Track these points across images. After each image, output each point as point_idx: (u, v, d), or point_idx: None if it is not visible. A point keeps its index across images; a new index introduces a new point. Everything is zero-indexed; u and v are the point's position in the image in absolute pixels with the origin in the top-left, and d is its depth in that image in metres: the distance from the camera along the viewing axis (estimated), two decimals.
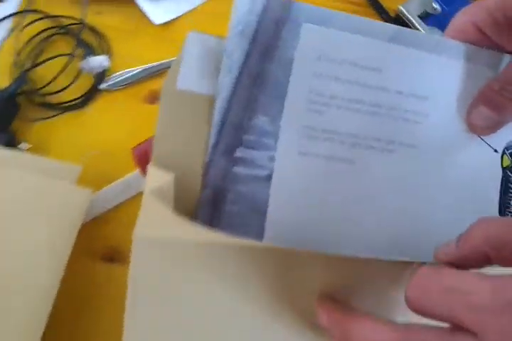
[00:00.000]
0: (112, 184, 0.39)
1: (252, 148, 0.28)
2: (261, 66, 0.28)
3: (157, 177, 0.25)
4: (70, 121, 0.41)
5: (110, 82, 0.42)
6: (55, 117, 0.40)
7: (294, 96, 0.29)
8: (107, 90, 0.42)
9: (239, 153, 0.28)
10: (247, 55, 0.28)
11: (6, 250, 0.33)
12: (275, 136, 0.28)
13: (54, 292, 0.34)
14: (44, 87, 0.40)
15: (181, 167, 0.27)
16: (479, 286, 0.20)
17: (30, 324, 0.33)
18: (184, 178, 0.27)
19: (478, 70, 0.32)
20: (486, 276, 0.20)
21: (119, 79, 0.42)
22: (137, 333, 0.26)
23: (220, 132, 0.28)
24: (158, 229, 0.24)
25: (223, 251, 0.24)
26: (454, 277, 0.21)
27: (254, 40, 0.28)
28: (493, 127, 0.32)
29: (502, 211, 0.33)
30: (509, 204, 0.33)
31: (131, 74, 0.42)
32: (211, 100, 0.28)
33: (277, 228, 0.29)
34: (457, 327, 0.20)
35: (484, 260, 0.22)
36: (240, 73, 0.28)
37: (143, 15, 0.43)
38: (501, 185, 0.33)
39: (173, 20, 0.43)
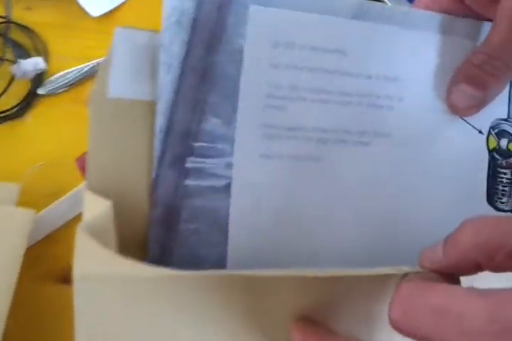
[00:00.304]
0: (59, 200, 0.35)
1: (205, 155, 0.24)
2: (206, 60, 0.24)
3: (93, 206, 0.21)
4: (6, 132, 0.37)
5: (49, 86, 0.38)
6: None
7: (249, 92, 0.25)
8: (46, 95, 0.38)
9: (190, 163, 0.24)
10: (188, 49, 0.24)
11: None
12: (231, 140, 0.25)
13: (3, 319, 0.30)
14: None
15: (124, 186, 0.23)
16: (472, 307, 0.17)
17: None
18: (130, 198, 0.24)
19: (455, 43, 0.29)
20: (479, 294, 0.17)
21: (58, 81, 0.38)
22: None
23: (165, 141, 0.24)
24: (99, 265, 0.20)
25: (176, 284, 0.20)
26: (441, 295, 0.18)
27: (194, 30, 0.24)
28: (477, 106, 0.28)
29: (491, 199, 0.30)
30: (497, 190, 0.30)
31: (71, 75, 0.38)
32: (152, 106, 0.24)
33: (242, 243, 0.25)
34: None
35: (475, 267, 0.19)
36: (183, 70, 0.24)
37: (78, 8, 0.39)
38: (488, 169, 0.30)
39: (113, 10, 0.39)
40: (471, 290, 0.17)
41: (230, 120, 0.25)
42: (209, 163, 0.24)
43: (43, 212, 0.35)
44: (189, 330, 0.22)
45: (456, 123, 0.29)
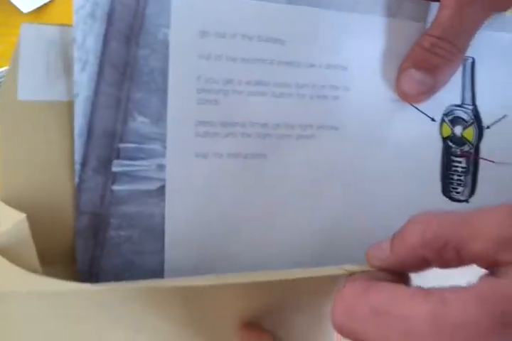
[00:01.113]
0: None
1: (133, 157, 0.22)
2: (127, 54, 0.22)
3: (6, 219, 0.19)
4: None
5: None
6: None
7: (179, 87, 0.23)
8: None
9: (116, 166, 0.22)
10: (105, 43, 0.22)
11: None
12: (161, 139, 0.23)
13: None
14: None
15: (43, 195, 0.21)
16: (414, 308, 0.16)
17: None
18: (51, 208, 0.22)
19: (403, 26, 0.27)
20: (422, 293, 0.16)
21: None
22: None
23: (87, 144, 0.22)
24: (10, 284, 0.18)
25: (99, 297, 0.18)
26: (384, 296, 0.17)
27: (110, 23, 0.22)
28: (428, 92, 0.27)
29: (445, 189, 0.29)
30: (452, 179, 0.29)
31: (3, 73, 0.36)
32: (70, 106, 0.22)
33: (180, 250, 0.23)
34: None
35: (423, 264, 0.18)
36: (101, 67, 0.22)
37: (11, 6, 0.36)
38: (442, 158, 0.29)
39: (45, 6, 0.36)
40: (415, 290, 0.16)
41: (159, 118, 0.23)
42: (138, 166, 0.23)
43: None
44: None
45: (407, 111, 0.28)
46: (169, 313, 0.19)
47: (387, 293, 0.17)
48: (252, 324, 0.21)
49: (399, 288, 0.17)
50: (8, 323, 0.19)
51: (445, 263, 0.18)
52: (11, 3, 0.36)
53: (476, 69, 0.29)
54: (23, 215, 0.19)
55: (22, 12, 0.36)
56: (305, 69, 0.25)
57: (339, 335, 0.18)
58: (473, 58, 0.29)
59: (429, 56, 0.26)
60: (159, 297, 0.19)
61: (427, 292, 0.16)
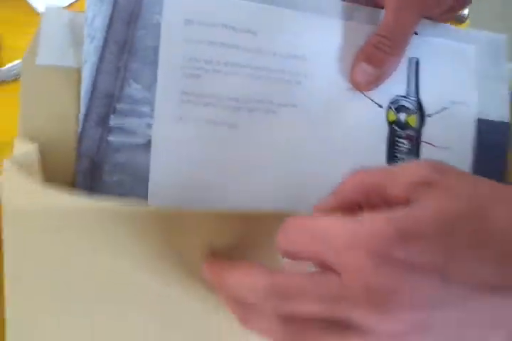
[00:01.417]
0: None
1: (127, 116, 0.28)
2: (127, 33, 0.28)
3: (21, 149, 0.24)
4: None
5: (4, 74, 0.41)
6: None
7: (167, 63, 0.28)
8: (1, 82, 0.41)
9: (113, 121, 0.27)
10: (111, 22, 0.27)
11: None
12: (151, 103, 0.28)
13: None
14: None
15: (53, 140, 0.27)
16: (339, 229, 0.20)
17: None
18: (58, 151, 0.27)
19: (358, 28, 0.33)
20: (346, 219, 0.20)
21: (6, 72, 0.41)
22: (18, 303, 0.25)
23: (90, 101, 0.27)
24: (24, 198, 0.23)
25: (98, 216, 0.23)
26: (317, 222, 0.21)
27: (115, 7, 0.27)
28: (375, 82, 0.32)
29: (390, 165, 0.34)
30: (397, 158, 0.34)
31: (19, 67, 0.41)
32: (79, 72, 0.27)
33: (161, 194, 0.28)
34: (326, 269, 0.20)
35: (357, 208, 0.23)
36: (106, 41, 0.27)
37: (27, 5, 0.43)
38: (388, 140, 0.34)
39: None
40: (340, 217, 0.21)
41: (150, 86, 0.28)
42: (130, 123, 0.28)
43: None
44: (108, 261, 0.24)
45: (358, 98, 0.33)
46: (150, 237, 0.24)
47: (320, 220, 0.21)
48: (218, 253, 0.26)
49: (330, 217, 0.21)
50: (19, 236, 0.23)
51: (373, 207, 0.22)
52: (28, 3, 0.42)
53: (420, 68, 0.35)
54: (36, 144, 0.24)
55: (38, 12, 0.42)
56: (272, 56, 0.31)
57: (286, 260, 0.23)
58: (417, 59, 0.35)
59: (375, 51, 0.32)
60: (143, 220, 0.24)
61: (349, 218, 0.20)
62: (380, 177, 0.22)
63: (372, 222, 0.20)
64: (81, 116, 0.27)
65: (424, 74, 0.35)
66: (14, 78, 0.41)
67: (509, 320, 0.20)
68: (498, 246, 0.20)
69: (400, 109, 0.34)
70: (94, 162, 0.27)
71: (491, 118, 0.36)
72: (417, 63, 0.35)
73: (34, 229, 0.24)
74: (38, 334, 0.26)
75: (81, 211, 0.23)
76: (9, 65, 0.42)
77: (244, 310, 0.23)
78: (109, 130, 0.27)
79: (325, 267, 0.21)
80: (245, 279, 0.22)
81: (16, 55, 0.42)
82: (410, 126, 0.34)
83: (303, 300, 0.21)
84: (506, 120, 0.37)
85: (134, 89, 0.28)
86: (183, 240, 0.25)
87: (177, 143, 0.28)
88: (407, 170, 0.22)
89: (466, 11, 0.53)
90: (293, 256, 0.22)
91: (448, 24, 0.36)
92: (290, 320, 0.21)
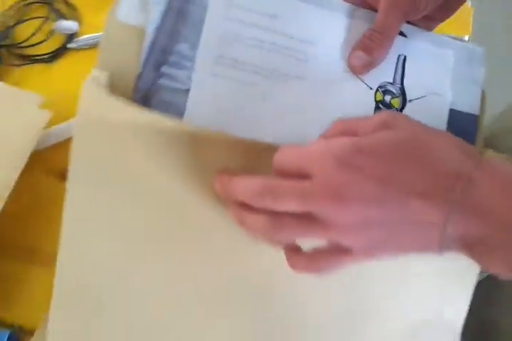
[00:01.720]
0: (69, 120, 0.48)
1: (175, 67, 0.37)
2: (183, 5, 0.38)
3: (96, 73, 0.34)
4: (42, 70, 0.50)
5: (76, 44, 0.52)
6: (30, 66, 0.50)
7: (209, 33, 0.38)
8: (74, 49, 0.52)
9: (164, 69, 0.37)
10: None
11: None
12: (193, 60, 0.38)
13: (2, 200, 0.42)
14: (23, 42, 0.50)
15: (119, 77, 0.36)
16: (316, 146, 0.30)
17: None
18: (121, 85, 0.36)
19: (358, 24, 0.42)
20: (323, 140, 0.30)
21: (84, 42, 0.52)
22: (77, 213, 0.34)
23: (149, 52, 0.37)
24: (97, 111, 0.33)
25: (153, 130, 0.33)
26: (304, 146, 0.30)
27: None
28: (367, 67, 0.41)
29: None
30: None
31: (95, 38, 0.52)
32: (143, 30, 0.37)
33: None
34: (305, 178, 0.29)
35: None
36: (167, 9, 0.37)
37: None
38: (374, 113, 0.43)
39: None
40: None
41: (194, 47, 0.38)
42: (176, 72, 0.37)
43: (56, 126, 0.47)
44: (158, 171, 0.34)
45: (353, 79, 0.42)
46: (187, 152, 0.33)
47: (306, 146, 0.31)
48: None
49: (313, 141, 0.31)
50: (91, 147, 0.33)
51: None
52: None
53: (406, 64, 0.44)
54: (107, 73, 0.34)
55: None
56: (287, 37, 0.40)
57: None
58: (405, 56, 0.44)
59: (369, 42, 0.41)
60: (179, 138, 0.33)
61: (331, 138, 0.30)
62: (354, 122, 0.32)
63: (341, 141, 0.29)
64: (141, 63, 0.37)
65: (409, 68, 0.44)
66: (89, 47, 0.52)
67: (431, 219, 0.29)
68: (428, 164, 0.29)
69: (386, 92, 0.43)
70: (145, 96, 0.37)
71: (462, 110, 0.45)
72: (404, 59, 0.44)
73: (103, 138, 0.33)
74: (88, 257, 0.35)
75: (146, 124, 0.33)
76: (87, 35, 0.52)
77: (241, 212, 0.32)
78: (160, 75, 0.37)
79: (304, 176, 0.30)
80: (246, 182, 0.31)
81: (91, 28, 0.53)
82: (393, 106, 0.43)
83: (284, 197, 0.30)
84: (476, 113, 0.45)
85: (182, 48, 0.37)
86: (208, 158, 0.34)
87: (210, 93, 0.38)
88: (373, 117, 0.31)
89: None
90: (282, 171, 0.31)
91: (432, 32, 0.46)
92: (274, 216, 0.30)
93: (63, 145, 0.48)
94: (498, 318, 0.50)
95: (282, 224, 0.30)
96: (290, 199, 0.30)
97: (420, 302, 0.42)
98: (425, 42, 0.45)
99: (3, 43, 0.49)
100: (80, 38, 0.52)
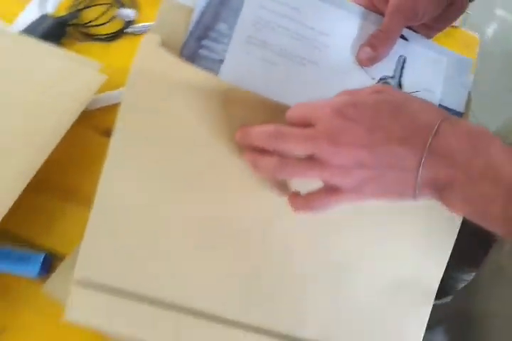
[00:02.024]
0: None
1: (214, 41, 0.46)
2: None
3: (151, 35, 0.43)
4: (100, 48, 0.60)
5: (133, 29, 0.62)
6: (91, 43, 0.59)
7: (245, 17, 0.47)
8: (130, 34, 0.62)
9: (204, 42, 0.46)
10: None
11: (21, 102, 0.50)
12: (229, 38, 0.47)
13: (50, 148, 0.49)
14: (88, 22, 0.60)
15: (169, 43, 0.45)
16: (321, 101, 0.38)
17: (25, 164, 0.48)
18: (169, 49, 0.45)
19: (368, 25, 0.51)
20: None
21: (140, 28, 0.62)
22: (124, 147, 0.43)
23: (195, 28, 0.46)
24: (150, 63, 0.42)
25: (196, 84, 0.42)
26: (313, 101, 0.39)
27: None
28: (371, 60, 0.50)
29: None
30: None
31: (149, 26, 0.62)
32: (192, 10, 0.46)
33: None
34: (309, 126, 0.38)
35: None
36: None
37: None
38: None
39: None
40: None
41: (231, 27, 0.47)
42: (214, 46, 0.46)
43: (107, 92, 0.57)
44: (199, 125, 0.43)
45: (359, 70, 0.51)
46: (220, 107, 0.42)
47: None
48: None
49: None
50: (140, 99, 0.42)
51: None
52: None
53: (405, 64, 0.53)
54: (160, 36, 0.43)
55: None
56: (307, 28, 0.49)
57: None
58: (405, 57, 0.52)
59: (375, 40, 0.50)
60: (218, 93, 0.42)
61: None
62: (355, 90, 0.40)
63: (340, 98, 0.38)
64: (187, 35, 0.46)
65: (407, 68, 0.52)
66: (143, 33, 0.62)
67: (408, 163, 0.36)
68: (407, 118, 0.37)
69: (386, 83, 0.51)
70: (187, 62, 0.45)
71: (449, 107, 0.53)
72: (404, 60, 0.52)
73: (152, 85, 0.42)
74: (124, 192, 0.43)
75: (191, 79, 0.41)
76: (142, 24, 0.62)
77: (255, 156, 0.40)
78: (201, 46, 0.46)
79: (309, 125, 0.38)
80: (262, 128, 0.39)
81: (147, 18, 0.63)
82: None
83: (291, 139, 0.38)
84: (461, 111, 0.53)
85: (222, 27, 0.47)
86: (236, 113, 0.43)
87: (240, 65, 0.47)
88: (369, 87, 0.39)
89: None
90: (292, 123, 0.39)
91: (431, 40, 0.54)
92: (282, 157, 0.38)
93: (111, 109, 0.57)
94: (471, 306, 0.55)
95: (288, 163, 0.38)
96: (296, 141, 0.37)
97: (401, 261, 0.48)
98: (424, 48, 0.53)
99: (71, 22, 0.59)
100: (136, 25, 0.62)
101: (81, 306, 0.39)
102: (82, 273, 0.39)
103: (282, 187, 0.44)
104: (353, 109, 0.37)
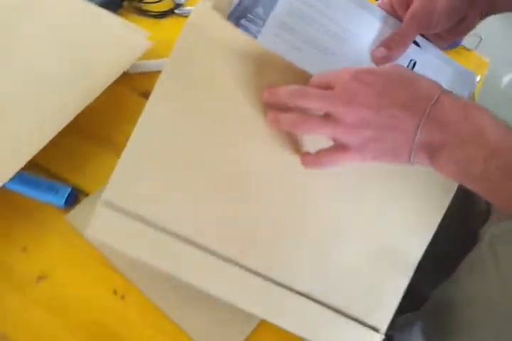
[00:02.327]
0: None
1: (250, 22, 0.54)
2: None
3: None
4: (150, 23, 0.68)
5: (182, 11, 0.70)
6: (142, 18, 0.67)
7: (281, 5, 0.55)
8: (178, 14, 0.70)
9: (242, 21, 0.54)
10: None
11: (72, 54, 0.57)
12: (264, 21, 0.54)
13: (90, 97, 0.55)
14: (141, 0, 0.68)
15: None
16: (340, 70, 0.45)
17: (65, 108, 0.54)
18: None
19: (386, 28, 0.58)
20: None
21: (187, 11, 0.70)
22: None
23: (236, 9, 0.53)
24: (202, 22, 0.49)
25: (238, 47, 0.49)
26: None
27: None
28: (385, 59, 0.56)
29: None
30: None
31: None
32: None
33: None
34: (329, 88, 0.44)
35: None
36: None
37: None
38: None
39: None
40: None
41: (267, 13, 0.54)
42: (250, 26, 0.54)
43: (150, 60, 0.64)
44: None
45: (373, 66, 0.58)
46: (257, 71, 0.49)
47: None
48: None
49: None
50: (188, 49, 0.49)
51: None
52: None
53: (415, 67, 0.59)
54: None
55: None
56: (332, 22, 0.56)
57: None
58: (415, 61, 0.59)
59: (390, 42, 0.56)
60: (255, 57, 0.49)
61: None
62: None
63: (358, 67, 0.44)
64: (229, 13, 0.53)
65: (415, 71, 0.59)
66: (186, 15, 0.69)
67: (406, 126, 0.42)
68: (412, 88, 0.43)
69: None
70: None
71: None
72: (414, 64, 0.59)
73: (200, 44, 0.49)
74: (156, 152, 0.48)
75: (236, 42, 0.48)
76: (189, 7, 0.70)
77: (277, 114, 0.46)
78: (239, 25, 0.53)
79: (328, 88, 0.44)
80: (287, 87, 0.46)
81: (195, 2, 0.71)
82: None
83: (312, 97, 0.43)
84: None
85: (259, 11, 0.54)
86: (268, 77, 0.49)
87: (270, 45, 0.54)
88: (387, 64, 0.46)
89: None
90: (315, 85, 0.46)
91: (441, 51, 0.61)
92: (300, 113, 0.44)
93: (152, 75, 0.64)
94: (451, 295, 0.57)
95: (306, 119, 0.44)
96: (315, 99, 0.43)
97: (388, 231, 0.52)
98: (433, 56, 0.60)
99: None
100: (184, 7, 0.70)
101: (102, 224, 0.44)
102: (110, 196, 0.45)
103: (295, 146, 0.49)
104: (369, 75, 0.43)
